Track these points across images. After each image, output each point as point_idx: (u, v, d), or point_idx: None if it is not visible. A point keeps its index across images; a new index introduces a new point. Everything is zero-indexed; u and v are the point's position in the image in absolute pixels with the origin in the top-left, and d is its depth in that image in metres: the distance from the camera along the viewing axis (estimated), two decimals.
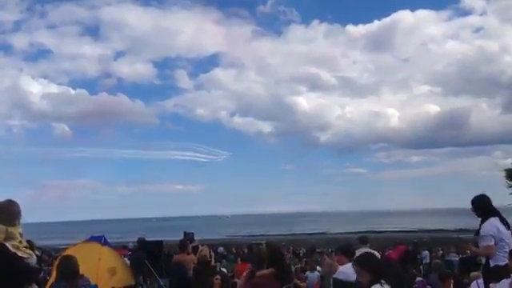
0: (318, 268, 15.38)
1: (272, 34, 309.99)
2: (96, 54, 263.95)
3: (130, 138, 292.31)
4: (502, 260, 5.22)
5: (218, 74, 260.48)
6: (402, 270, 8.99)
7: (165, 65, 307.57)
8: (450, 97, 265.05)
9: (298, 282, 13.89)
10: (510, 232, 5.52)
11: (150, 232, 53.45)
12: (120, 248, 20.75)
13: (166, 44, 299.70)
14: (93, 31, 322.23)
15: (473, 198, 5.82)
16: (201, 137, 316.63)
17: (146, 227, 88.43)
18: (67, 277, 5.37)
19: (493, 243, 5.40)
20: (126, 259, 15.83)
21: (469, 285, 6.75)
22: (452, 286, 7.09)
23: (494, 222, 5.52)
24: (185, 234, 12.91)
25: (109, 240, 15.30)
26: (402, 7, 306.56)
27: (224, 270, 15.20)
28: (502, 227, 5.50)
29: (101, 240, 14.35)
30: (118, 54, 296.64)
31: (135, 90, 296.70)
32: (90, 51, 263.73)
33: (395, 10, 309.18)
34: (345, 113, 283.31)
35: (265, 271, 6.82)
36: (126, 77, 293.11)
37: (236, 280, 10.09)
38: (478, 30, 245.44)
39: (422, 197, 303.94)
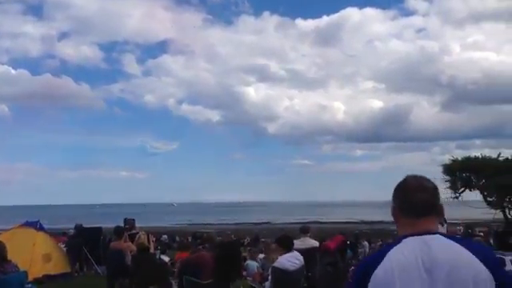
0: (260, 256, 15.51)
1: (222, 23, 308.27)
2: (39, 34, 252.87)
3: (75, 122, 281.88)
4: None
5: (167, 60, 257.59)
6: (339, 259, 9.21)
7: (112, 48, 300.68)
8: (392, 93, 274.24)
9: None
10: None
11: (93, 218, 52.21)
12: (59, 235, 20.09)
13: (114, 27, 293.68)
14: (36, 10, 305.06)
15: None
16: (148, 123, 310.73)
17: (89, 213, 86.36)
18: None
19: None
20: (62, 246, 15.39)
21: None
22: None
23: None
24: (125, 220, 12.62)
25: (45, 226, 14.79)
26: (351, 4, 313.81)
27: (166, 258, 15.00)
28: None
29: (36, 225, 13.87)
30: (63, 35, 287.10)
31: (80, 72, 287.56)
32: (32, 30, 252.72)
33: (344, 7, 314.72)
34: (293, 104, 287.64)
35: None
36: (71, 59, 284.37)
37: (175, 269, 9.99)
38: (420, 30, 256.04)
39: (365, 189, 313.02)
